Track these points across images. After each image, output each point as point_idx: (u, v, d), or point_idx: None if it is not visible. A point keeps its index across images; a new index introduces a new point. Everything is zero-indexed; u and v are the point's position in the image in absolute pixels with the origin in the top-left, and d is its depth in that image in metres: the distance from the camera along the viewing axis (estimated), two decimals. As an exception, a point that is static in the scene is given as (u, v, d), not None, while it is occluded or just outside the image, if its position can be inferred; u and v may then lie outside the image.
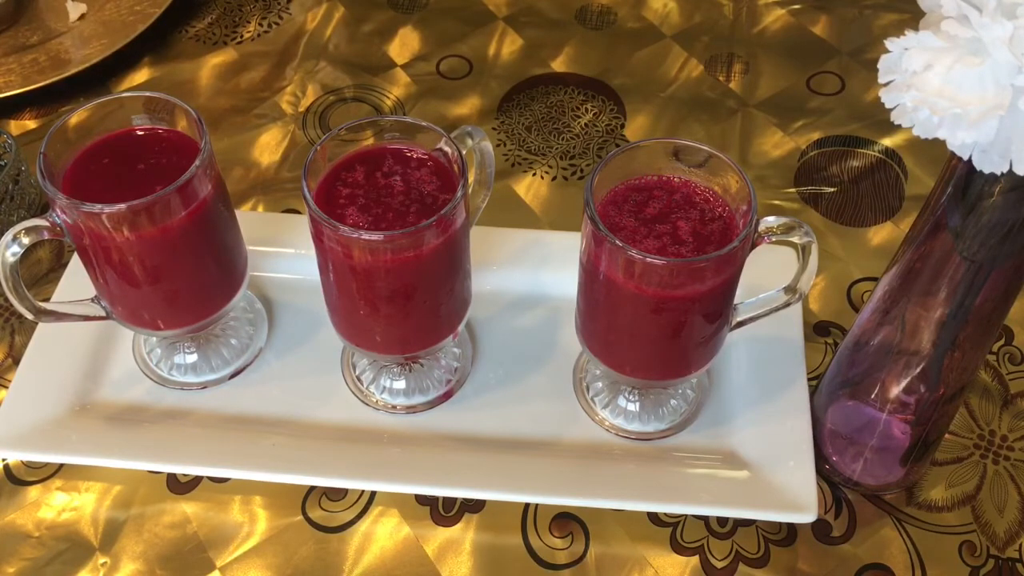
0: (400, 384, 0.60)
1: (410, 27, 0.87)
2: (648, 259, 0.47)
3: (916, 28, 0.35)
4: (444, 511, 0.57)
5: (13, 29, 0.84)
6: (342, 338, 0.57)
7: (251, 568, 0.55)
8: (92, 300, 0.57)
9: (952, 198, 0.42)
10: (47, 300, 0.61)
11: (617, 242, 0.47)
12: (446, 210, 0.49)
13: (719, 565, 0.55)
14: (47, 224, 0.51)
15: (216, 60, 0.84)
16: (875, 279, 0.67)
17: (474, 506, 0.57)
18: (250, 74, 0.83)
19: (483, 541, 0.56)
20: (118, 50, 0.80)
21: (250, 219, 0.66)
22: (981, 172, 0.36)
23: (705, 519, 0.56)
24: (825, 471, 0.58)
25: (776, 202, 0.73)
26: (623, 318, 0.51)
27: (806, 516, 0.53)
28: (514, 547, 0.56)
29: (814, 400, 0.58)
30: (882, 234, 0.70)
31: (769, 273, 0.57)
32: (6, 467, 0.59)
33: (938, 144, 0.36)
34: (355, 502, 0.57)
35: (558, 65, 0.83)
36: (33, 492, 0.58)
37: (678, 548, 0.56)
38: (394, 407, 0.60)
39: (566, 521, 0.57)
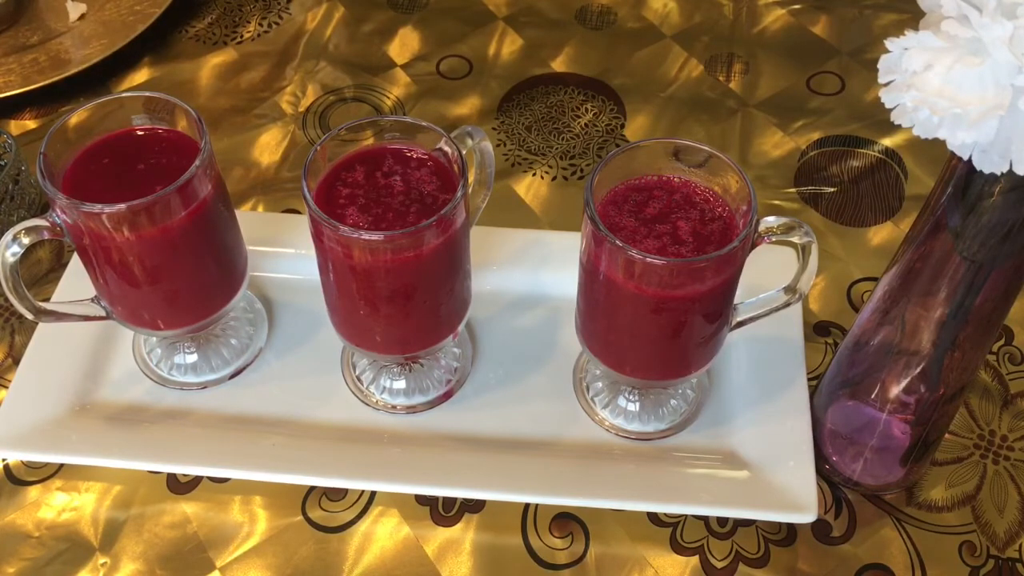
0: (400, 384, 0.60)
1: (410, 27, 0.87)
2: (648, 259, 0.47)
3: (916, 28, 0.35)
4: (444, 511, 0.57)
5: (13, 29, 0.84)
6: (342, 338, 0.57)
7: (251, 568, 0.55)
8: (92, 300, 0.57)
9: (952, 198, 0.42)
10: (47, 300, 0.61)
11: (617, 242, 0.47)
12: (446, 210, 0.49)
13: (719, 565, 0.55)
14: (47, 224, 0.51)
15: (216, 60, 0.84)
16: (875, 279, 0.67)
17: (474, 506, 0.57)
18: (250, 74, 0.83)
19: (483, 541, 0.56)
20: (118, 50, 0.80)
21: (250, 219, 0.66)
22: (981, 172, 0.36)
23: (705, 519, 0.56)
24: (825, 471, 0.58)
25: (776, 202, 0.73)
26: (623, 318, 0.51)
27: (806, 516, 0.53)
28: (514, 547, 0.56)
29: (814, 400, 0.58)
30: (882, 234, 0.70)
31: (769, 273, 0.57)
32: (6, 467, 0.59)
33: (938, 144, 0.36)
34: (355, 502, 0.57)
35: (558, 65, 0.83)
36: (33, 492, 0.58)
37: (678, 548, 0.56)
38: (394, 407, 0.60)
39: (566, 521, 0.57)
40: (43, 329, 0.62)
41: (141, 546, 0.56)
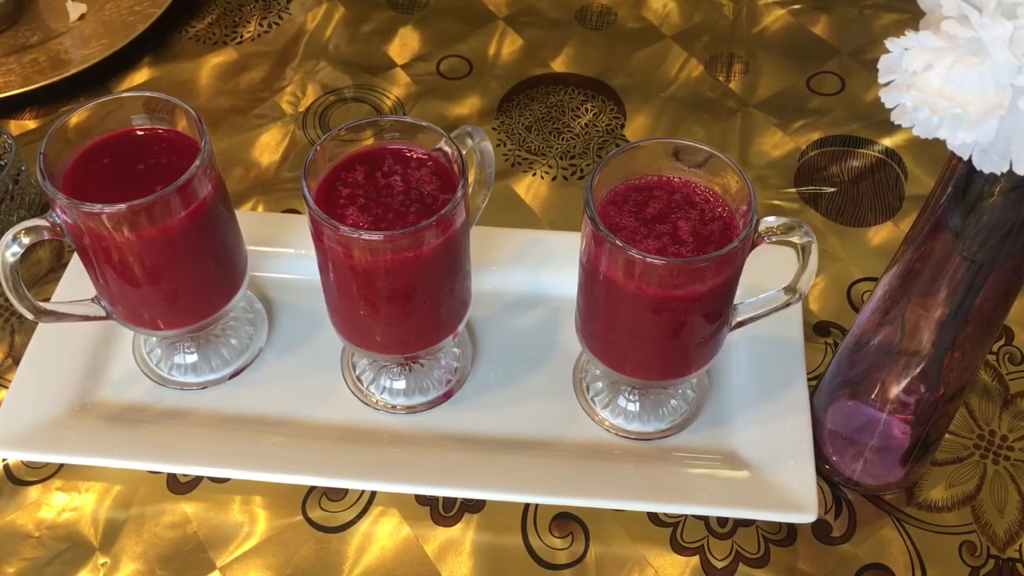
0: (400, 384, 0.60)
1: (410, 27, 0.87)
2: (648, 259, 0.47)
3: (916, 28, 0.35)
4: (444, 511, 0.57)
5: (13, 29, 0.84)
6: (342, 338, 0.57)
7: (251, 568, 0.55)
8: (92, 300, 0.57)
9: (952, 198, 0.42)
10: (47, 300, 0.61)
11: (617, 242, 0.47)
12: (446, 210, 0.49)
13: (719, 565, 0.55)
14: (47, 224, 0.51)
15: (216, 60, 0.84)
16: (875, 279, 0.67)
17: (474, 506, 0.57)
18: (250, 74, 0.83)
19: (483, 541, 0.56)
20: (118, 50, 0.80)
21: (250, 219, 0.66)
22: (981, 172, 0.36)
23: (705, 519, 0.56)
24: (825, 471, 0.58)
25: (776, 202, 0.73)
26: (623, 318, 0.51)
27: (806, 516, 0.53)
28: (514, 547, 0.56)
29: (814, 400, 0.58)
30: (882, 234, 0.70)
31: (769, 273, 0.57)
32: (6, 467, 0.59)
33: (938, 144, 0.36)
34: (355, 502, 0.57)
35: (558, 65, 0.83)
36: (33, 492, 0.58)
37: (678, 548, 0.56)
38: (394, 407, 0.60)
39: (566, 521, 0.57)
40: (43, 329, 0.62)
41: (141, 546, 0.56)
